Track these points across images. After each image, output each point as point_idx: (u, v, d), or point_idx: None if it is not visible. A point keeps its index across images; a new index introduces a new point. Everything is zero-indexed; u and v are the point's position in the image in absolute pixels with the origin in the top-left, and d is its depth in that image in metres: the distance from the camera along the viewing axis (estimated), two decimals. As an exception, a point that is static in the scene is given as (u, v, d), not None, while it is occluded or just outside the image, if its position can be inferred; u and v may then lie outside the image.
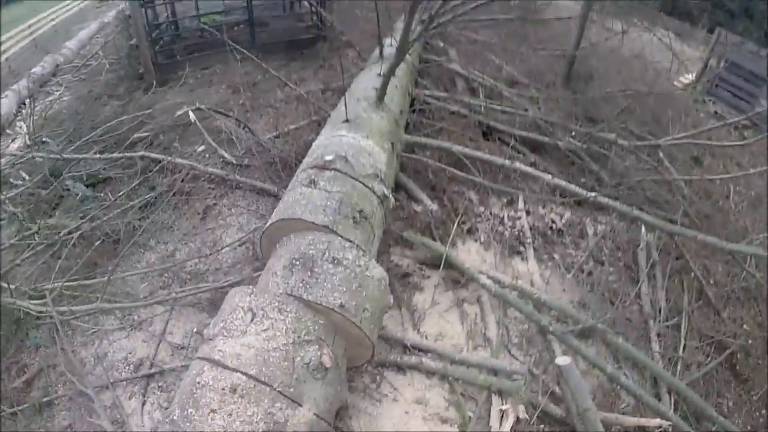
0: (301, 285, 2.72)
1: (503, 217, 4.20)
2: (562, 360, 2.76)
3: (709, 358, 3.82)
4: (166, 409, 3.25)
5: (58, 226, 4.10)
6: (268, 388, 2.26)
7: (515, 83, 6.12)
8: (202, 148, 5.05)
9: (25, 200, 4.50)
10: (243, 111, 5.44)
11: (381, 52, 5.18)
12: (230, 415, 2.16)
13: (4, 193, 4.47)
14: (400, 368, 3.19)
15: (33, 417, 3.37)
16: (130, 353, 3.53)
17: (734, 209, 5.51)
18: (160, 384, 3.35)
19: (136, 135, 5.04)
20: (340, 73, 5.70)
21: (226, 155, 4.52)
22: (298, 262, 2.83)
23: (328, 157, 3.43)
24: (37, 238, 4.16)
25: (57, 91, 6.50)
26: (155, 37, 6.81)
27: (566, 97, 5.50)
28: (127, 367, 3.46)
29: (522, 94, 5.69)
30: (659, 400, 3.42)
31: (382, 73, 4.36)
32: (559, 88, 6.10)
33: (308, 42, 7.22)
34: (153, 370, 3.35)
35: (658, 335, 3.77)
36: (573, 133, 5.18)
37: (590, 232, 4.39)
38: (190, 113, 4.67)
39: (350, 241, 2.99)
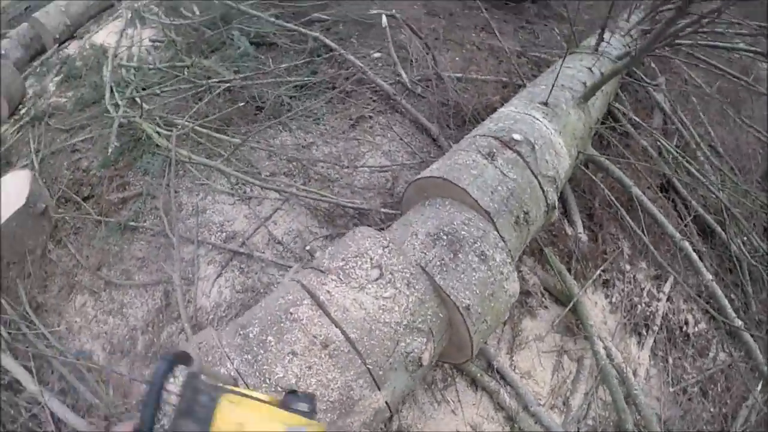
0: (438, 264, 2.29)
1: (645, 289, 3.52)
2: None
3: None
4: (238, 292, 3.08)
5: (210, 70, 3.88)
6: (359, 360, 1.92)
7: (711, 148, 5.10)
8: (378, 54, 4.60)
9: (187, 33, 4.30)
10: (433, 37, 4.86)
11: (597, 45, 4.37)
12: (310, 368, 1.83)
13: (170, 19, 4.28)
14: (475, 383, 2.80)
15: (114, 233, 3.31)
16: (228, 222, 3.35)
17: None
18: (242, 266, 3.15)
19: (316, 14, 4.65)
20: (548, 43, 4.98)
21: (402, 74, 4.03)
22: (445, 237, 2.39)
23: (517, 137, 2.88)
24: (186, 73, 3.98)
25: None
26: None
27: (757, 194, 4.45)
28: (219, 234, 3.29)
29: (715, 164, 4.72)
30: None
31: (599, 71, 3.62)
32: (754, 180, 5.02)
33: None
34: (243, 249, 3.15)
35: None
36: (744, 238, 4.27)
37: (711, 354, 3.65)
38: (384, 17, 4.19)
39: (504, 241, 2.51)
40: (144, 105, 3.68)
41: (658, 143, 4.48)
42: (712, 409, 3.50)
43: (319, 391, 1.82)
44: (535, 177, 2.77)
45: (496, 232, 2.48)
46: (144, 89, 4.10)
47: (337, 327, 1.94)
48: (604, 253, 3.47)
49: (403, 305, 2.09)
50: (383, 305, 2.05)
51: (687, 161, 4.38)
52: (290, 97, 3.84)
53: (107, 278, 3.09)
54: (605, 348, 3.04)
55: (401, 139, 3.71)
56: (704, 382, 3.47)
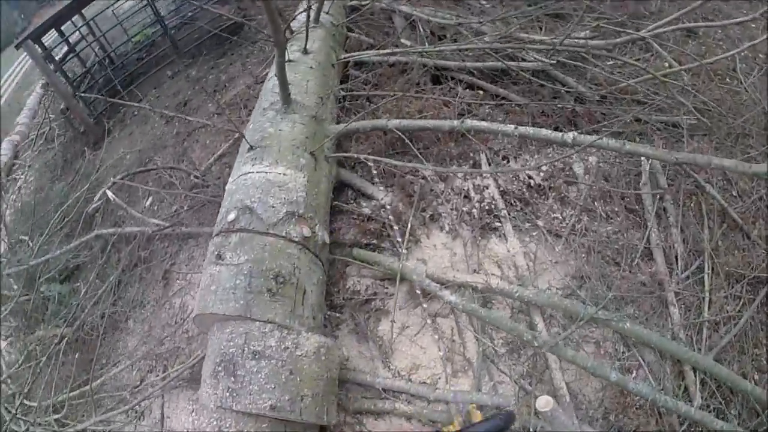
0: (228, 395, 2.32)
1: (468, 189, 3.36)
2: (543, 403, 2.17)
3: (741, 303, 2.98)
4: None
5: (46, 338, 3.99)
6: None
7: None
8: (149, 201, 4.60)
9: (20, 310, 4.43)
10: (180, 141, 4.81)
11: (282, 36, 4.18)
12: None
13: (4, 307, 4.43)
14: (375, 413, 2.79)
15: None
16: (140, 444, 3.45)
17: (745, 83, 4.08)
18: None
19: (92, 206, 4.67)
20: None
21: (154, 221, 3.99)
22: (221, 368, 2.40)
23: (230, 217, 2.81)
24: (38, 353, 4.09)
25: (22, 175, 6.23)
26: (89, 83, 6.23)
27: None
28: (140, 460, 3.40)
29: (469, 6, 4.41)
30: (683, 379, 2.75)
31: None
32: None
33: (234, 28, 6.13)
34: (160, 461, 3.25)
35: (677, 294, 2.95)
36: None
37: (579, 171, 3.43)
38: (108, 194, 4.17)
39: (270, 323, 2.47)
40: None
41: (408, 46, 4.25)
42: (611, 219, 3.33)
43: None
44: (267, 234, 2.71)
45: (258, 323, 2.45)
46: None
47: None
48: (411, 197, 3.34)
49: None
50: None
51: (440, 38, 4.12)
52: (113, 303, 3.91)
53: None
54: (460, 285, 2.96)
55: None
56: (588, 203, 3.26)
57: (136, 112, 5.77)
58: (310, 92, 3.67)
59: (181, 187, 4.27)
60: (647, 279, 3.02)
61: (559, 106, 3.62)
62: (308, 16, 3.88)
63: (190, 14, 6.84)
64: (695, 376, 2.69)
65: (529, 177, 3.32)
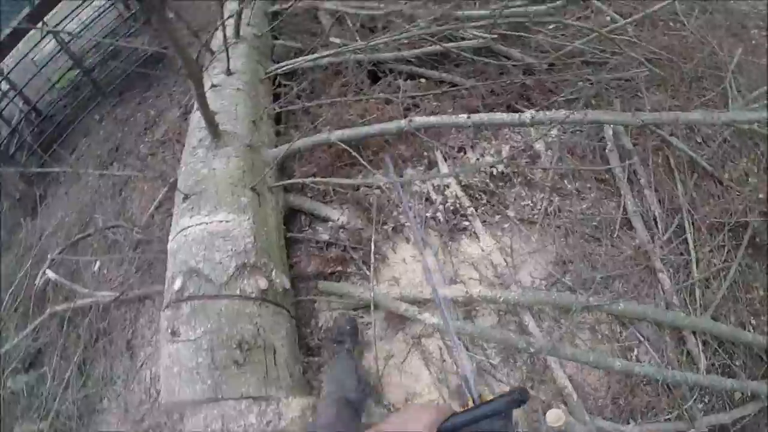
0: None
1: (428, 192, 3.09)
2: (554, 418, 1.96)
3: (726, 252, 2.85)
4: None
5: (25, 442, 3.63)
6: None
7: None
8: (97, 265, 4.21)
9: None
10: (117, 192, 4.40)
11: (195, 66, 3.78)
12: None
13: None
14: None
15: None
16: None
17: (689, 25, 3.86)
18: None
19: (40, 281, 4.25)
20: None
21: (102, 294, 3.63)
22: (197, 461, 2.14)
23: (177, 284, 2.49)
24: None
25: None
26: (18, 143, 5.68)
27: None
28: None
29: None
30: (684, 344, 2.62)
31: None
32: None
33: (156, 59, 5.60)
34: None
35: (663, 260, 2.78)
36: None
37: (540, 148, 3.18)
38: (49, 273, 3.77)
39: (245, 398, 2.20)
40: None
41: (339, 44, 3.87)
42: (583, 195, 3.13)
43: None
44: (221, 297, 2.41)
45: (231, 401, 2.18)
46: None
47: None
48: (368, 211, 3.06)
49: None
50: None
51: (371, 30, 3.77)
52: (82, 385, 3.57)
53: None
54: (441, 299, 2.72)
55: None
56: (558, 183, 3.05)
57: (69, 168, 5.29)
58: (241, 118, 3.31)
59: (126, 244, 3.89)
60: (631, 251, 2.85)
61: (507, 82, 3.34)
62: (224, 35, 3.47)
63: (110, 49, 6.25)
64: (696, 339, 2.55)
65: (492, 167, 3.06)
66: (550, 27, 3.62)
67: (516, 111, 3.27)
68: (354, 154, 2.96)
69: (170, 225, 3.31)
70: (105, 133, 5.10)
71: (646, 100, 3.20)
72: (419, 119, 2.84)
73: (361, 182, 2.89)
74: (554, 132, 3.22)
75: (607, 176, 3.08)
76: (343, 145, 3.00)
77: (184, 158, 3.24)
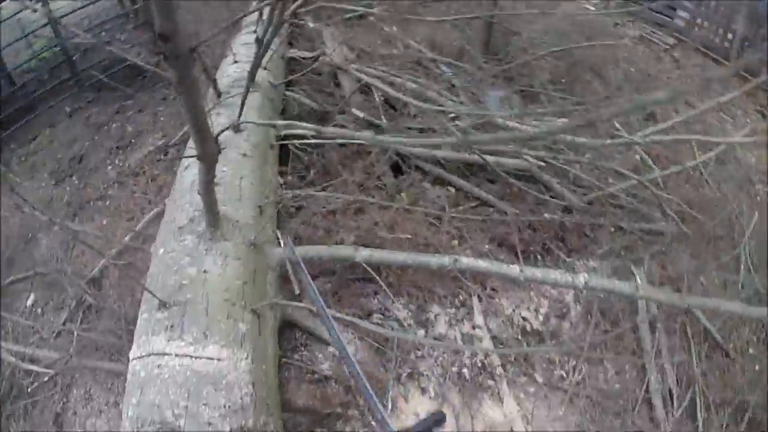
0: None
1: (455, 338, 2.66)
2: None
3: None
4: None
5: None
6: None
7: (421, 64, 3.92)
8: (31, 299, 3.23)
9: None
10: (71, 214, 3.44)
11: (212, 145, 3.07)
12: None
13: None
14: None
15: None
16: None
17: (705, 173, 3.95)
18: None
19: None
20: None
21: (25, 367, 2.72)
22: None
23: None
24: None
25: None
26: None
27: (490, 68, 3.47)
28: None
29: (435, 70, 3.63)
30: None
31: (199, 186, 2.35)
32: (478, 57, 3.95)
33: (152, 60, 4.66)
34: None
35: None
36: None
37: (572, 312, 2.91)
38: None
39: None
40: None
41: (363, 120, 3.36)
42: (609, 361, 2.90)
43: None
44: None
45: None
46: None
47: None
48: (384, 346, 2.54)
49: None
50: None
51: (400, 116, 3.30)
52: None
53: None
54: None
55: (106, 403, 2.63)
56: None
57: (23, 157, 4.17)
58: (246, 199, 2.65)
59: (70, 293, 2.99)
60: (647, 427, 2.66)
61: (547, 217, 3.06)
62: (251, 76, 2.76)
63: (104, 34, 5.18)
64: None
65: (524, 319, 2.72)
66: (586, 157, 3.43)
67: (551, 252, 2.99)
68: (374, 275, 2.47)
69: (123, 290, 2.55)
70: (71, 134, 4.19)
71: (671, 261, 3.11)
72: (466, 261, 2.43)
73: (382, 332, 2.36)
74: (582, 278, 2.99)
75: (635, 347, 2.88)
76: (368, 267, 2.48)
77: (163, 237, 2.50)
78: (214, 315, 2.13)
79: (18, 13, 5.10)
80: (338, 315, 2.53)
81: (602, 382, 2.78)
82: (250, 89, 3.17)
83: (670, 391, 2.91)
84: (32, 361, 2.87)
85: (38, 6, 4.74)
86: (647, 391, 2.82)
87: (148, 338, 2.09)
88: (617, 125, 3.59)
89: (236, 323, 2.15)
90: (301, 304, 2.46)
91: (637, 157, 3.62)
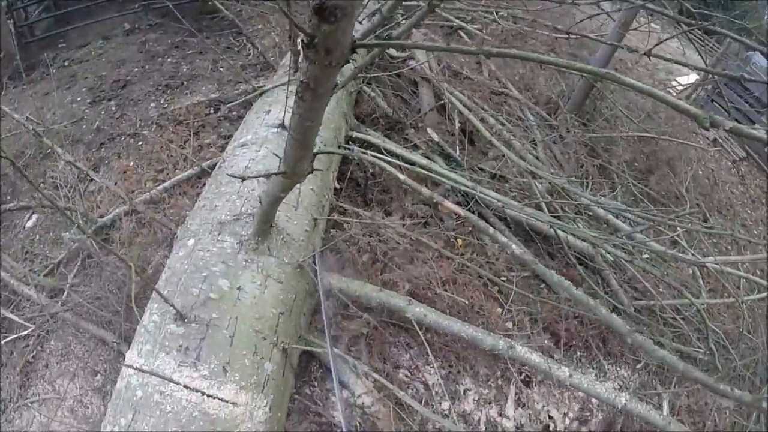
0: None
1: (478, 421, 2.35)
2: None
3: None
4: None
5: None
6: None
7: (506, 101, 3.50)
8: (31, 221, 2.74)
9: None
10: (97, 144, 2.91)
11: (292, 66, 2.61)
12: None
13: None
14: None
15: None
16: None
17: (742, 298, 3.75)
18: None
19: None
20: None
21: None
22: None
23: None
24: None
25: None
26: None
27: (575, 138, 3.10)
28: None
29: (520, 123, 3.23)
30: None
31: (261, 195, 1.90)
32: (568, 120, 3.55)
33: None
34: None
35: None
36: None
37: (594, 420, 2.65)
38: None
39: None
40: None
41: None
42: None
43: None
44: None
45: None
46: None
47: None
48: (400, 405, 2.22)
49: None
50: None
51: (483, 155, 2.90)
52: None
53: None
54: None
55: (84, 366, 2.25)
56: None
57: (66, 62, 3.55)
58: (303, 207, 2.25)
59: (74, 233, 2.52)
60: None
61: (595, 315, 2.76)
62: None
63: None
64: None
65: (550, 417, 2.44)
66: (644, 256, 3.14)
67: (590, 349, 2.71)
68: (415, 327, 2.13)
69: (134, 251, 2.15)
70: (122, 54, 3.72)
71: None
72: (520, 350, 2.14)
73: (421, 407, 2.03)
74: (623, 398, 2.73)
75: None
76: (416, 326, 2.14)
77: (197, 224, 2.07)
78: (239, 347, 1.75)
79: None
80: (361, 365, 2.20)
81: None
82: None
83: None
84: (10, 303, 2.41)
85: None
86: None
87: (154, 352, 1.71)
88: (681, 235, 3.30)
89: (262, 362, 1.78)
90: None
91: (690, 272, 3.37)
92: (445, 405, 2.36)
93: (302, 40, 0.95)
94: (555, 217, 2.90)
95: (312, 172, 1.55)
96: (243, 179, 1.48)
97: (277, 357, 1.84)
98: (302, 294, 2.08)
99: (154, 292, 1.89)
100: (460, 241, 2.78)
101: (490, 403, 2.39)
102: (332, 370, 1.79)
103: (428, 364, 2.31)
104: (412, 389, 2.33)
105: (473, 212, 2.94)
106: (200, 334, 1.73)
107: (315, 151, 1.50)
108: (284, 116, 2.37)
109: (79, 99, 3.28)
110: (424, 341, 2.21)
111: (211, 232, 2.00)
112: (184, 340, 1.71)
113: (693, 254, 2.86)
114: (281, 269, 1.98)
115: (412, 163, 2.71)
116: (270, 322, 1.86)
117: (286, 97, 2.40)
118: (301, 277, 2.07)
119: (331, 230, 2.62)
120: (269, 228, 1.97)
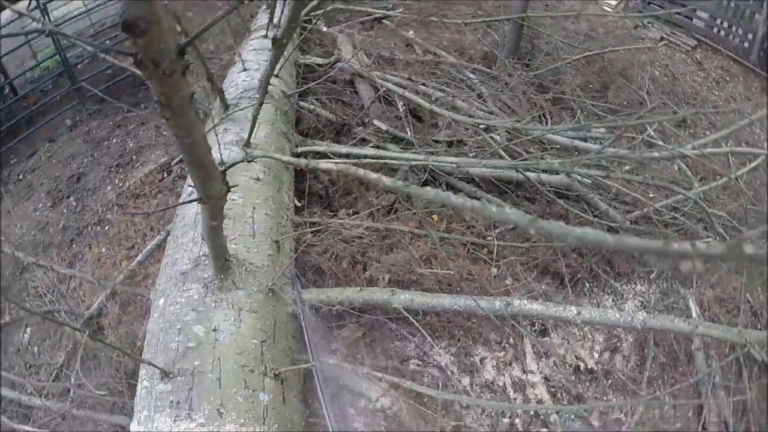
0: None
1: (504, 386, 2.19)
2: None
3: None
4: None
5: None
6: None
7: (444, 71, 3.39)
8: (27, 334, 2.74)
9: None
10: (67, 240, 2.91)
11: (224, 105, 2.55)
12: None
13: None
14: None
15: None
16: None
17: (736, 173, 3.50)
18: None
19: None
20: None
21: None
22: None
23: None
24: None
25: None
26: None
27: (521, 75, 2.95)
28: None
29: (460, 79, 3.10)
30: None
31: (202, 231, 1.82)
32: (508, 65, 3.42)
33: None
34: None
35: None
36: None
37: (624, 343, 2.44)
38: None
39: None
40: None
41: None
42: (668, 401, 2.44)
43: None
44: None
45: None
46: None
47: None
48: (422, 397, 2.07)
49: None
50: None
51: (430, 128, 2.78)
52: None
53: None
54: None
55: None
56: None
57: (20, 176, 3.63)
58: (260, 233, 2.16)
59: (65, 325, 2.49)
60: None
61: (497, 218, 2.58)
62: (265, 82, 2.20)
63: (108, 42, 4.63)
64: None
65: (577, 358, 2.26)
66: (625, 167, 2.95)
67: (598, 277, 2.52)
68: (409, 316, 1.99)
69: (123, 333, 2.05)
70: (70, 150, 3.76)
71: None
72: (519, 304, 1.97)
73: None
74: (641, 316, 2.53)
75: (690, 378, 2.43)
76: (406, 313, 2.00)
77: (163, 282, 2.00)
78: (228, 386, 1.65)
79: (15, 20, 4.56)
80: (367, 370, 2.06)
81: (659, 420, 2.34)
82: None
83: (725, 424, 2.48)
84: (27, 417, 2.37)
85: (36, 13, 4.21)
86: (704, 427, 2.38)
87: (150, 415, 1.62)
88: (653, 135, 3.09)
89: (256, 394, 1.68)
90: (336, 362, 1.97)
91: (677, 168, 3.15)
92: (466, 381, 2.21)
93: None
94: (522, 161, 2.74)
95: (229, 191, 1.46)
96: (148, 215, 1.39)
97: (271, 385, 1.73)
98: (282, 317, 1.98)
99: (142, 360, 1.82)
100: (435, 217, 2.65)
101: (510, 364, 2.23)
102: (317, 381, 1.67)
103: (435, 347, 2.16)
104: (427, 376, 2.19)
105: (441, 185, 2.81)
106: (187, 384, 1.64)
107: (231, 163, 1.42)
108: (220, 153, 2.30)
109: (40, 205, 3.32)
110: (420, 327, 2.08)
111: (176, 284, 1.93)
112: (173, 395, 1.62)
113: (669, 149, 2.68)
114: (252, 299, 1.89)
115: (363, 157, 2.60)
116: (253, 353, 1.76)
117: (216, 135, 2.34)
118: (275, 301, 1.97)
119: (306, 248, 2.52)
120: (227, 262, 1.89)
